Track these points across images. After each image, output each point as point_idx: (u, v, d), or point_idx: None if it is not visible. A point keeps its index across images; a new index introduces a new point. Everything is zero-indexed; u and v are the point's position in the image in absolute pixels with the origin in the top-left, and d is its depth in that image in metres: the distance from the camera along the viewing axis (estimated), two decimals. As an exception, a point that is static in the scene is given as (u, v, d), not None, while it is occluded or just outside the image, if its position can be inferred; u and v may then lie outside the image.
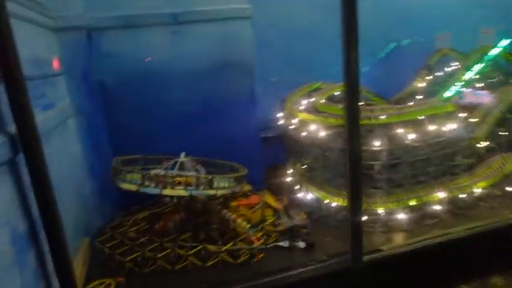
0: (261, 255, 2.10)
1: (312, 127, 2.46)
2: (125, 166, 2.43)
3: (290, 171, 2.98)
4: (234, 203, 2.38)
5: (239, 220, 2.16)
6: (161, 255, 2.02)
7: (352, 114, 1.77)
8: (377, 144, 2.20)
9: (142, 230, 2.35)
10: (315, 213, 2.51)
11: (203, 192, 2.05)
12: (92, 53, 2.57)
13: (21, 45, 1.38)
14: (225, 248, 2.04)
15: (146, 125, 2.77)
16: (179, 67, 2.73)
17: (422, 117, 2.29)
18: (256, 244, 2.06)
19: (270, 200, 2.52)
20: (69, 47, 2.42)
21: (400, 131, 2.21)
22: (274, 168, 3.34)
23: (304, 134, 2.52)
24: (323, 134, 2.33)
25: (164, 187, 1.98)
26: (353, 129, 1.78)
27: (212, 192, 2.07)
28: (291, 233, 2.28)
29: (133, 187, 2.01)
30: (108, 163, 2.37)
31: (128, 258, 2.01)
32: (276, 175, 3.18)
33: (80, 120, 2.47)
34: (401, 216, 2.29)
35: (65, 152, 2.20)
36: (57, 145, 2.06)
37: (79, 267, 1.94)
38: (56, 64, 2.28)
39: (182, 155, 2.38)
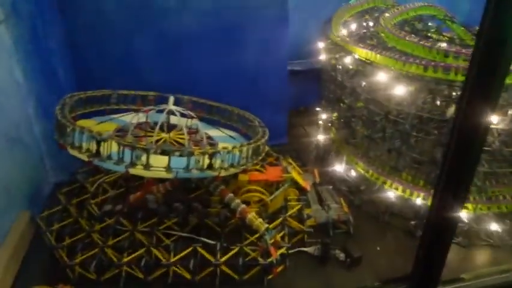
0: (280, 269, 1.39)
1: (373, 72, 1.56)
2: (86, 107, 1.63)
3: (324, 122, 2.15)
4: (243, 177, 1.60)
5: (251, 214, 1.41)
6: (127, 259, 1.32)
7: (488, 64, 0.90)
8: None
9: (110, 199, 1.63)
10: (359, 197, 1.76)
11: (197, 173, 1.26)
12: None
13: None
14: (223, 259, 1.33)
15: (127, 41, 1.89)
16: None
17: None
18: (275, 256, 1.33)
19: (296, 175, 1.73)
20: None
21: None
22: (300, 114, 2.55)
23: (362, 83, 1.63)
24: (399, 91, 1.43)
25: (133, 163, 1.19)
26: (487, 90, 0.93)
27: (211, 173, 1.29)
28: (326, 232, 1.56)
29: (83, 156, 1.22)
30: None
31: (78, 260, 1.31)
32: (303, 124, 2.40)
33: (19, 29, 1.58)
34: (494, 226, 1.53)
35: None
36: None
37: (3, 261, 1.26)
38: None
39: (171, 100, 1.54)
